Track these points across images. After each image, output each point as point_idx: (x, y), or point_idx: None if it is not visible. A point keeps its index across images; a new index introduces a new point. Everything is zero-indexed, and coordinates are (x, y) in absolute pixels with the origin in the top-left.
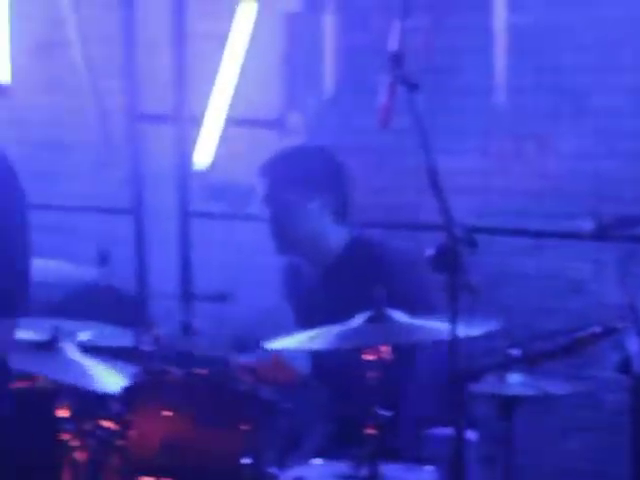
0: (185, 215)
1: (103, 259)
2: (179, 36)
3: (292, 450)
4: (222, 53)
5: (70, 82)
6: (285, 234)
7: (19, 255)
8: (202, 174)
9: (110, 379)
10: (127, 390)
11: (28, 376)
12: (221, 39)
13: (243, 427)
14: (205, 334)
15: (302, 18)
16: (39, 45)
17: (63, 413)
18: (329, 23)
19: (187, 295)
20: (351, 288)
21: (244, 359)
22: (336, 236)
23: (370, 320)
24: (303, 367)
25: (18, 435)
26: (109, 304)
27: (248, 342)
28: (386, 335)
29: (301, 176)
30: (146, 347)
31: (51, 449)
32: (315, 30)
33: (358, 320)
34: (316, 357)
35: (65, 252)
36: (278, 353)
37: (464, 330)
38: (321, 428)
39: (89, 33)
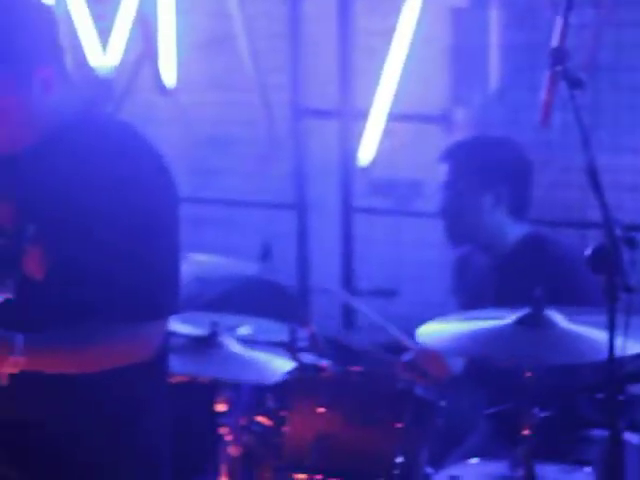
0: (348, 210)
1: (265, 254)
2: (344, 32)
3: (449, 449)
4: (387, 48)
5: (236, 78)
6: (457, 223)
7: (167, 255)
8: (366, 169)
9: (268, 374)
10: (282, 386)
11: (187, 371)
12: (386, 35)
13: (397, 425)
14: (366, 330)
15: (468, 13)
16: (205, 41)
17: (221, 407)
18: (494, 18)
19: (349, 291)
20: (520, 285)
21: (406, 355)
22: (510, 230)
23: (524, 321)
24: (456, 365)
25: (178, 429)
26: (270, 299)
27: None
28: (539, 344)
29: (479, 165)
30: (301, 343)
31: (210, 444)
32: (481, 25)
33: (512, 318)
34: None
35: (228, 246)
36: (433, 347)
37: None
38: (479, 427)
39: (255, 28)
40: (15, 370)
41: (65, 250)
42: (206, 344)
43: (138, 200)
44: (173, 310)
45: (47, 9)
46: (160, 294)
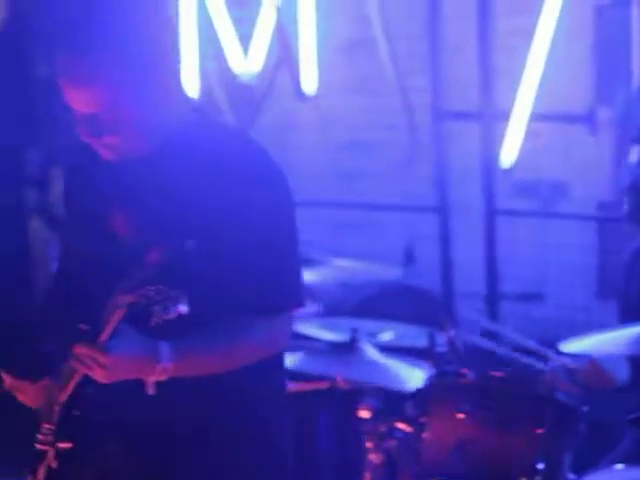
0: (491, 213)
1: (408, 258)
2: (484, 32)
3: (596, 455)
4: (528, 48)
5: (376, 82)
6: None
7: (294, 253)
8: (508, 171)
9: (409, 380)
10: (422, 392)
11: (327, 377)
12: (527, 34)
13: (539, 431)
14: (509, 334)
15: (610, 10)
16: (344, 45)
17: (364, 414)
18: (637, 16)
19: (493, 295)
20: None
21: (562, 361)
22: None
23: None
24: (620, 373)
25: (322, 436)
26: (412, 304)
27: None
28: None
29: None
30: (441, 348)
31: (353, 450)
32: (623, 22)
33: None
34: (636, 363)
35: (371, 251)
36: (595, 357)
37: None
38: (630, 434)
39: (394, 31)
40: (163, 377)
41: (210, 256)
42: (346, 350)
43: (268, 199)
44: (301, 303)
45: (166, 17)
46: (291, 287)
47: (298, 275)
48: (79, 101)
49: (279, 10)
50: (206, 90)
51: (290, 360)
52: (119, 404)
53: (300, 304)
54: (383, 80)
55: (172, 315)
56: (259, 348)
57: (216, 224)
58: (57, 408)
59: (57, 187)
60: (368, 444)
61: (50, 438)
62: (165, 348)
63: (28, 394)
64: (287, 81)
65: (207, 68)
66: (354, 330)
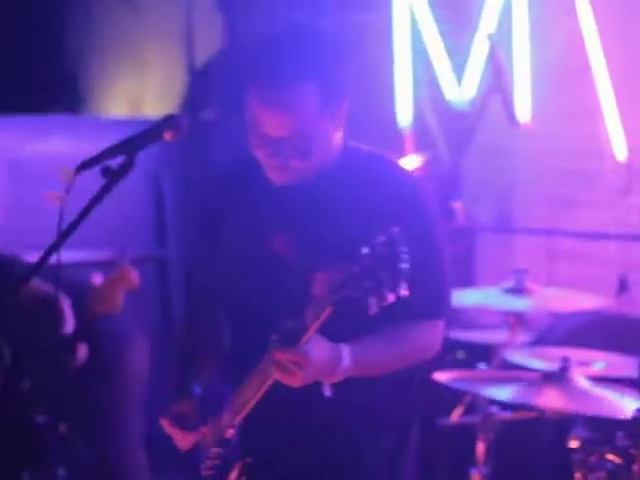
0: None
1: (622, 286)
2: None
3: None
4: None
5: (589, 109)
6: None
7: (447, 263)
8: None
9: (619, 410)
10: (633, 424)
11: (537, 407)
12: None
13: None
14: None
15: None
16: (558, 72)
17: (574, 444)
18: None
19: None
20: None
21: None
22: None
23: None
24: None
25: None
26: (623, 333)
27: None
28: None
29: None
30: None
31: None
32: None
33: None
34: None
35: (585, 280)
36: None
37: None
38: None
39: (611, 59)
40: (340, 379)
41: None
42: (556, 379)
43: (423, 217)
44: (451, 314)
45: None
46: (447, 296)
47: (450, 288)
48: (274, 125)
49: (492, 37)
50: (419, 116)
51: (502, 390)
52: (297, 408)
53: (450, 315)
54: (596, 108)
55: (389, 301)
56: (420, 352)
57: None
58: (231, 431)
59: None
60: (577, 474)
61: (218, 462)
62: (346, 350)
63: (184, 440)
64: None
65: (420, 95)
66: (565, 359)
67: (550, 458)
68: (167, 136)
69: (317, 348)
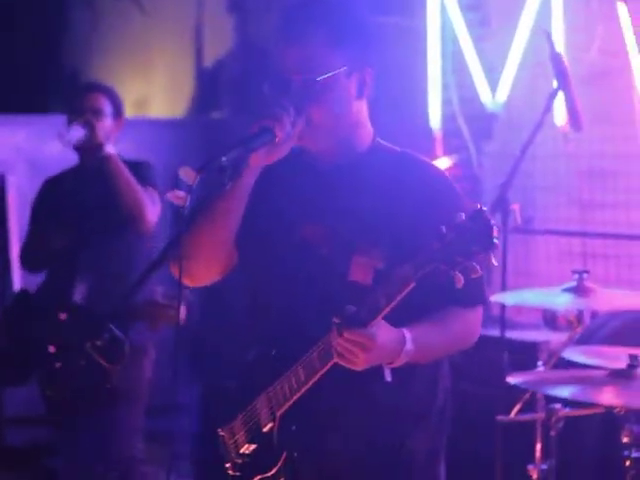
0: None
1: None
2: None
3: None
4: None
5: (618, 112)
6: None
7: None
8: None
9: None
10: None
11: (603, 404)
12: None
13: None
14: None
15: None
16: (588, 75)
17: (626, 439)
18: None
19: None
20: None
21: None
22: None
23: None
24: None
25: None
26: None
27: None
28: None
29: None
30: None
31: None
32: None
33: None
34: None
35: (618, 281)
36: None
37: None
38: None
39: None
40: (400, 364)
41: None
42: (623, 376)
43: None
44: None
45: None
46: (485, 284)
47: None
48: (288, 62)
49: (549, 35)
50: (449, 117)
51: (566, 388)
52: (355, 392)
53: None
54: (625, 111)
55: (477, 274)
56: (466, 338)
57: (407, 234)
58: (269, 425)
59: None
60: (630, 469)
61: (253, 459)
62: (409, 334)
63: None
64: (528, 109)
65: (450, 96)
66: (633, 357)
67: (603, 454)
68: (278, 137)
69: (383, 331)
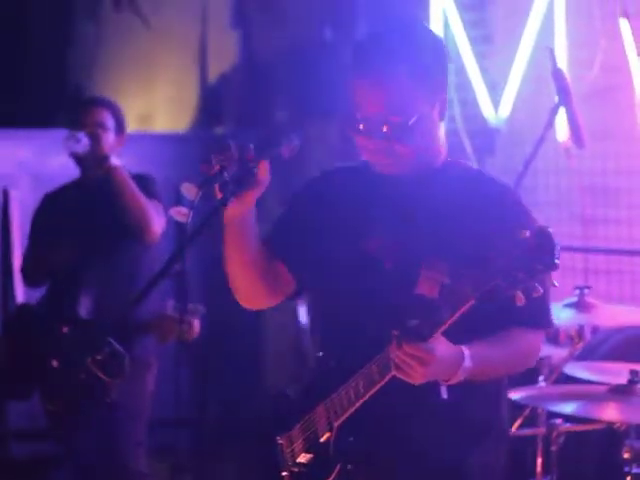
0: None
1: None
2: None
3: None
4: None
5: (619, 129)
6: None
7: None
8: None
9: None
10: None
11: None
12: None
13: None
14: None
15: None
16: (589, 92)
17: (627, 455)
18: None
19: None
20: None
21: None
22: None
23: None
24: None
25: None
26: None
27: None
28: None
29: None
30: None
31: None
32: None
33: None
34: None
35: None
36: None
37: None
38: None
39: None
40: (457, 381)
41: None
42: (625, 392)
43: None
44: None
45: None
46: (551, 309)
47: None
48: (370, 102)
49: (552, 51)
50: (452, 133)
51: (568, 404)
52: (414, 406)
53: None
54: (625, 127)
55: (538, 294)
56: (525, 360)
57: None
58: (327, 435)
59: None
60: None
61: (309, 469)
62: (467, 352)
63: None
64: (530, 125)
65: (453, 113)
66: (633, 372)
67: (603, 469)
68: (285, 152)
69: (442, 346)
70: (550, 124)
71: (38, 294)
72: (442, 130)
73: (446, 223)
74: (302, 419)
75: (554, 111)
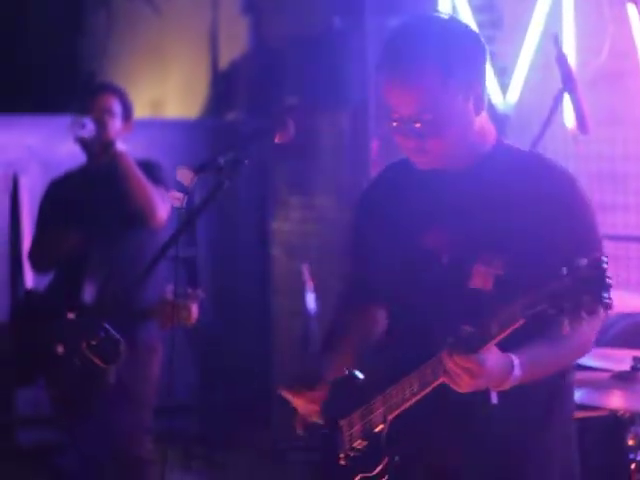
0: None
1: None
2: None
3: None
4: None
5: (628, 114)
6: None
7: None
8: None
9: None
10: None
11: (606, 407)
12: None
13: None
14: None
15: None
16: (597, 78)
17: (631, 442)
18: None
19: None
20: None
21: None
22: None
23: None
24: None
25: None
26: None
27: None
28: None
29: None
30: None
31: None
32: None
33: None
34: None
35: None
36: None
37: None
38: None
39: None
40: (507, 387)
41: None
42: (627, 379)
43: (582, 225)
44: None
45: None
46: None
47: None
48: (401, 103)
49: (558, 39)
50: None
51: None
52: (458, 413)
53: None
54: (635, 113)
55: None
56: (580, 350)
57: (530, 246)
58: (381, 426)
59: None
60: (635, 473)
61: (361, 455)
62: (517, 360)
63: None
64: (539, 110)
65: None
66: (637, 359)
67: (608, 456)
68: (278, 138)
69: (492, 358)
70: (554, 110)
71: (47, 280)
72: (484, 118)
73: (502, 213)
74: (362, 406)
75: (558, 97)
